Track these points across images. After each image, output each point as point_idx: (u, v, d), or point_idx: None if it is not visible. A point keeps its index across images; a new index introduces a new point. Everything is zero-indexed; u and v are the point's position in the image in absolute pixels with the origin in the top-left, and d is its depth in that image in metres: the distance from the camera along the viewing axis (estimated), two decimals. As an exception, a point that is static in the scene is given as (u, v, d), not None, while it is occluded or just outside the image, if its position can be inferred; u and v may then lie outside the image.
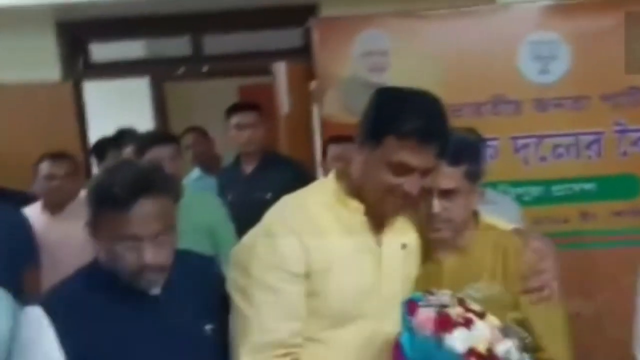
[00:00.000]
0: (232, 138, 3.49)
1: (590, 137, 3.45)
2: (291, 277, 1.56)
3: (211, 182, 3.79)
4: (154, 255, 1.50)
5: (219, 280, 1.70)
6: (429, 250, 1.74)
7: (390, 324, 1.59)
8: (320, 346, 1.61)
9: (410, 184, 1.54)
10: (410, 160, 1.52)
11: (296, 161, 3.60)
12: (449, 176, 1.65)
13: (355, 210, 1.61)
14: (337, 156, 3.24)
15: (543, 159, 3.44)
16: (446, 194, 1.66)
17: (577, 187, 3.45)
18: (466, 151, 1.70)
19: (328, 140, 3.41)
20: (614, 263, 3.11)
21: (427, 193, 1.62)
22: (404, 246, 1.67)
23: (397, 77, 3.57)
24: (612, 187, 3.43)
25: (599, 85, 3.40)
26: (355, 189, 1.61)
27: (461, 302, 1.44)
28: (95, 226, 1.53)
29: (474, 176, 1.70)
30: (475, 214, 1.78)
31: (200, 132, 4.44)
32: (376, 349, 1.60)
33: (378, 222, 1.64)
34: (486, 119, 3.39)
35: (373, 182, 1.56)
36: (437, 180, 1.62)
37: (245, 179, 3.48)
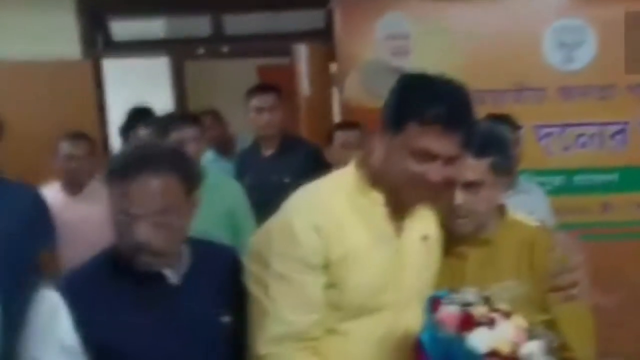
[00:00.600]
0: (251, 120, 3.45)
1: (615, 127, 3.40)
2: (309, 268, 1.54)
3: (225, 165, 3.77)
4: (147, 235, 1.45)
5: (240, 272, 1.67)
6: (452, 243, 1.70)
7: (410, 316, 1.57)
8: (339, 338, 1.59)
9: (434, 172, 1.49)
10: (434, 147, 1.47)
11: (315, 145, 3.58)
12: (474, 168, 1.61)
13: (375, 201, 1.58)
14: (343, 143, 3.21)
15: (566, 148, 3.40)
16: (470, 186, 1.62)
17: (599, 178, 3.41)
18: (493, 143, 1.66)
19: (335, 127, 3.39)
20: (635, 255, 3.06)
21: (451, 184, 1.58)
22: (424, 238, 1.64)
23: (419, 61, 3.53)
24: (635, 178, 3.39)
25: (625, 74, 3.35)
26: (375, 179, 1.58)
27: (487, 301, 1.40)
28: (109, 201, 1.50)
29: (500, 169, 1.66)
30: (501, 208, 1.75)
31: (215, 114, 4.42)
32: (395, 340, 1.58)
33: (398, 213, 1.60)
34: (509, 107, 3.34)
35: (395, 169, 1.52)
36: (461, 172, 1.58)
37: (263, 162, 3.45)
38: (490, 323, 1.32)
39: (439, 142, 1.47)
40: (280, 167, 3.30)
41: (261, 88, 3.47)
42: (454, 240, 1.70)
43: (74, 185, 3.20)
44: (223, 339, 1.59)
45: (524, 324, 1.36)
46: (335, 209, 1.56)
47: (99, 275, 1.54)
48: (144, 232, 1.45)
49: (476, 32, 3.45)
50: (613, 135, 3.41)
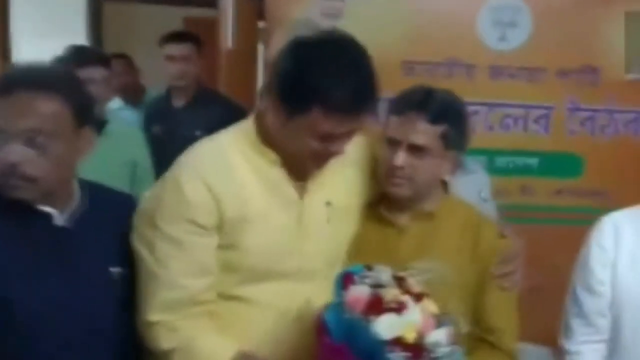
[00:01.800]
0: (164, 69, 3.29)
1: (540, 111, 3.39)
2: (199, 229, 1.45)
3: (130, 114, 3.60)
4: (18, 154, 1.34)
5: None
6: (391, 213, 1.64)
7: (314, 287, 1.51)
8: (240, 304, 1.52)
9: (338, 146, 1.47)
10: (337, 129, 1.43)
11: (230, 99, 3.43)
12: (423, 132, 1.55)
13: (272, 162, 1.51)
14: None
15: (490, 127, 3.36)
16: (415, 149, 1.56)
17: (520, 160, 3.39)
18: (450, 113, 1.60)
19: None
20: (550, 241, 3.08)
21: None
22: (328, 204, 1.57)
23: (351, 25, 3.37)
24: (555, 164, 3.39)
25: (556, 59, 3.33)
26: (271, 141, 1.50)
27: (400, 282, 1.34)
28: None
29: (450, 141, 1.59)
30: (445, 185, 1.67)
31: (128, 60, 4.20)
32: (296, 311, 1.52)
33: (299, 175, 1.53)
34: (439, 81, 3.24)
35: (293, 144, 1.46)
36: (409, 133, 1.53)
37: (174, 113, 3.32)
38: (399, 309, 1.25)
39: (343, 125, 1.41)
40: (192, 120, 3.19)
41: (176, 36, 3.34)
42: (393, 210, 1.62)
43: None
44: (112, 289, 1.49)
45: (434, 310, 1.29)
46: (231, 166, 1.47)
47: None
48: (16, 151, 1.33)
49: (412, 2, 3.35)
50: (537, 119, 3.40)
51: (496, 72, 3.38)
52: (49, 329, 1.40)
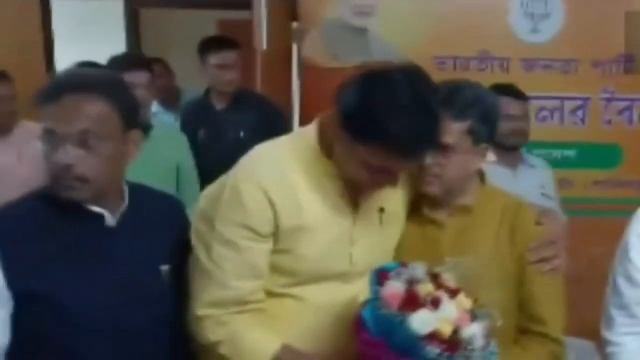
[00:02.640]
0: (210, 75, 3.31)
1: (577, 103, 3.36)
2: (255, 235, 1.49)
3: (168, 117, 3.65)
4: (71, 156, 1.37)
5: (181, 222, 1.64)
6: (429, 210, 1.64)
7: (360, 285, 1.53)
8: (285, 299, 1.56)
9: (392, 180, 1.48)
10: (394, 166, 1.44)
11: (270, 100, 3.47)
12: (450, 131, 1.52)
13: (331, 173, 1.51)
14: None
15: (527, 121, 3.34)
16: (442, 148, 1.54)
17: (557, 153, 3.37)
18: (475, 107, 1.56)
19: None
20: (588, 233, 3.04)
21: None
22: (381, 210, 1.58)
23: (383, 24, 3.44)
24: (593, 155, 3.37)
25: (590, 50, 3.30)
26: (332, 154, 1.51)
27: (435, 278, 1.35)
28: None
29: (478, 135, 1.57)
30: (481, 175, 1.67)
31: (164, 64, 4.26)
32: (342, 307, 1.55)
33: (355, 188, 1.54)
34: (471, 74, 3.26)
35: (349, 170, 1.47)
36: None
37: (217, 116, 3.35)
38: (434, 304, 1.27)
39: (399, 164, 1.43)
40: (235, 121, 3.23)
41: (223, 43, 3.34)
42: (432, 207, 1.63)
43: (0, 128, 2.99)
44: (159, 287, 1.53)
45: (468, 305, 1.32)
46: (290, 176, 1.49)
47: (32, 213, 1.45)
48: (68, 153, 1.37)
49: (443, -3, 3.35)
50: (573, 111, 3.37)
51: (530, 64, 3.36)
52: (97, 329, 1.43)
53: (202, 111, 3.41)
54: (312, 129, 1.56)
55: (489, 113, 1.60)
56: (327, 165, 1.51)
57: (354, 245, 1.55)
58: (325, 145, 1.51)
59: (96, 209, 1.46)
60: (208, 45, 3.33)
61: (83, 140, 1.38)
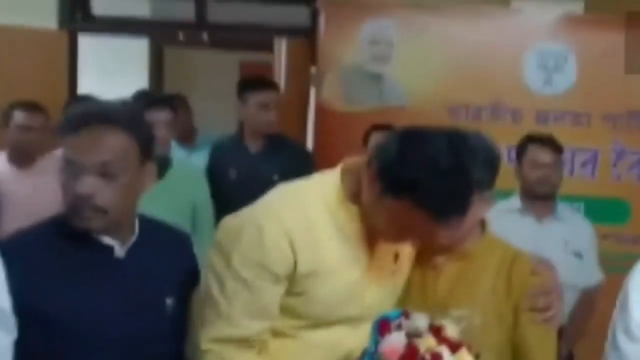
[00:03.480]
0: (249, 115, 3.26)
1: (586, 155, 3.39)
2: (272, 276, 1.46)
3: (180, 153, 3.68)
4: (90, 186, 1.40)
5: (190, 259, 1.64)
6: (428, 253, 1.63)
7: (366, 329, 1.50)
8: (288, 339, 1.54)
9: (414, 240, 1.51)
10: (419, 226, 1.42)
11: (299, 143, 3.50)
12: None
13: (354, 216, 1.51)
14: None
15: (535, 172, 3.36)
16: None
17: (566, 205, 3.38)
18: (477, 159, 1.54)
19: (371, 128, 3.26)
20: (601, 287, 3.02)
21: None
22: (396, 256, 1.58)
23: (400, 69, 3.51)
24: (601, 209, 3.37)
25: (601, 104, 3.35)
26: (357, 195, 1.50)
27: (437, 331, 1.34)
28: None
29: (481, 184, 1.55)
30: (483, 223, 1.67)
31: (183, 101, 4.33)
32: (344, 352, 1.53)
33: (374, 230, 1.53)
34: (485, 124, 3.31)
35: (378, 220, 1.46)
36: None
37: (250, 158, 3.30)
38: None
39: (426, 224, 1.41)
40: (269, 164, 3.20)
41: (265, 84, 3.35)
42: (431, 250, 1.63)
43: (24, 158, 3.06)
44: (164, 320, 1.53)
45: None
46: (314, 219, 1.49)
47: (43, 239, 1.47)
48: (88, 184, 1.40)
49: (458, 45, 3.42)
50: (584, 163, 3.39)
51: (542, 116, 3.40)
52: (104, 351, 1.44)
53: (235, 151, 3.36)
54: (335, 172, 1.56)
55: (492, 164, 1.58)
56: (351, 209, 1.51)
57: (368, 289, 1.54)
58: (350, 190, 1.51)
59: (107, 240, 1.48)
60: (249, 85, 3.32)
61: (103, 172, 1.40)
